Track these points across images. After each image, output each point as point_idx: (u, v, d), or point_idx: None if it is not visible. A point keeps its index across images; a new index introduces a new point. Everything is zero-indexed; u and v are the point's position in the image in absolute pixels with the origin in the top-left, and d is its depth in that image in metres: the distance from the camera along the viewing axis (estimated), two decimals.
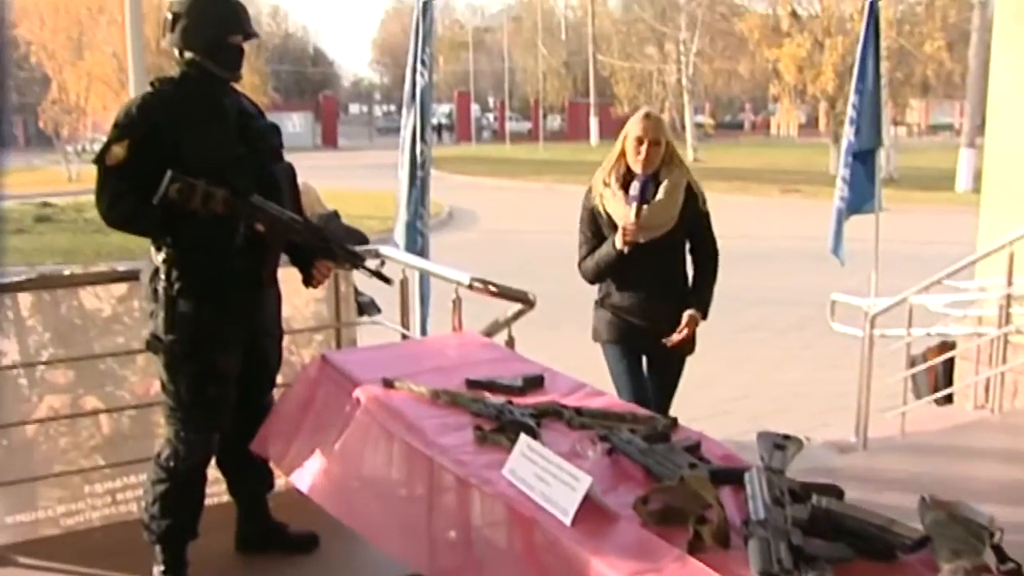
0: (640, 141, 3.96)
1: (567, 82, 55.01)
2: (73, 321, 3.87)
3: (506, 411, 2.62)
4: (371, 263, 3.46)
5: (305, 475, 3.04)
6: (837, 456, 5.67)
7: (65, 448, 3.89)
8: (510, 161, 35.84)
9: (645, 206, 3.93)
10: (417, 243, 5.75)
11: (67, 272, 4.06)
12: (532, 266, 12.98)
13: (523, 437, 2.34)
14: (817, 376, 8.24)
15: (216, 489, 3.70)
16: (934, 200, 22.73)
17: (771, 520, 1.93)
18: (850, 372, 6.83)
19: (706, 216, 4.13)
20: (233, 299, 3.23)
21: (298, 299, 4.01)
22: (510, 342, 3.91)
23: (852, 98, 6.67)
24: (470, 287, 3.98)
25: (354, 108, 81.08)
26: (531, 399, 2.79)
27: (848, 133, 6.72)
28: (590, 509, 2.09)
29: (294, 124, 44.75)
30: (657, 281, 4.03)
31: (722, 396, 7.35)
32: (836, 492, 2.12)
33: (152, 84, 3.26)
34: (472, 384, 2.93)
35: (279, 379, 3.58)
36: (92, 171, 3.24)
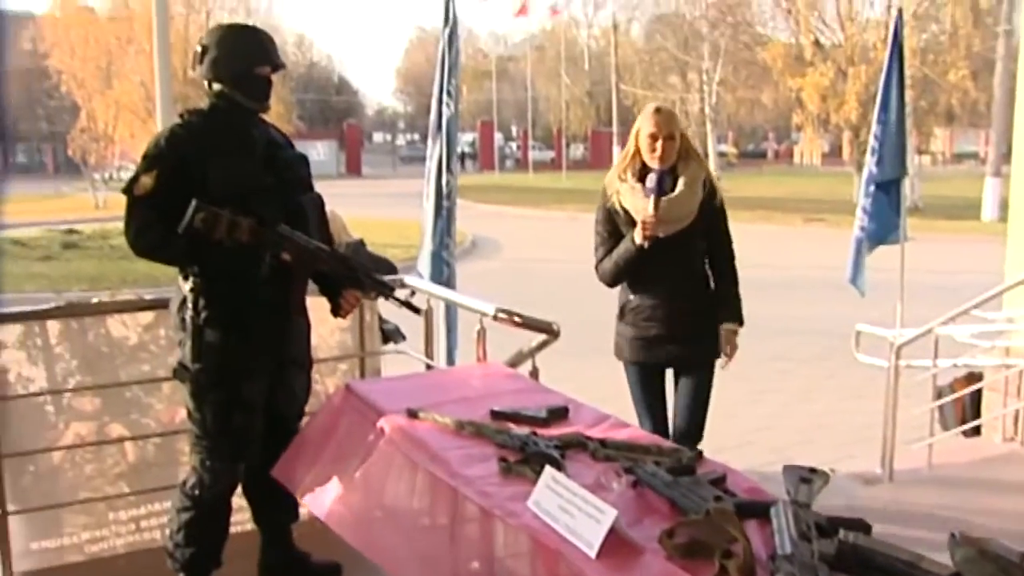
0: (654, 137, 3.86)
1: (590, 111, 55.23)
2: (100, 349, 3.90)
3: (531, 442, 2.62)
4: (399, 293, 3.47)
5: (326, 504, 3.04)
6: (863, 488, 5.61)
7: (90, 475, 3.91)
8: (533, 190, 35.94)
9: (664, 198, 3.82)
10: (443, 273, 5.75)
11: (95, 300, 4.09)
12: (555, 295, 12.99)
13: (548, 469, 2.33)
14: (841, 407, 8.17)
15: (240, 517, 3.71)
16: (960, 229, 22.59)
17: (798, 555, 1.92)
18: (875, 403, 6.77)
19: (723, 212, 4.03)
20: (259, 328, 3.25)
21: (323, 328, 4.02)
22: (534, 372, 3.90)
23: (874, 128, 6.64)
24: (495, 318, 3.98)
25: (378, 137, 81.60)
26: (555, 430, 2.78)
27: (869, 163, 6.69)
28: (615, 542, 2.08)
29: (318, 152, 45.11)
30: (677, 280, 3.94)
31: (746, 427, 7.30)
32: (863, 527, 2.10)
33: (181, 116, 3.31)
34: (497, 415, 2.92)
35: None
36: (119, 198, 3.29)
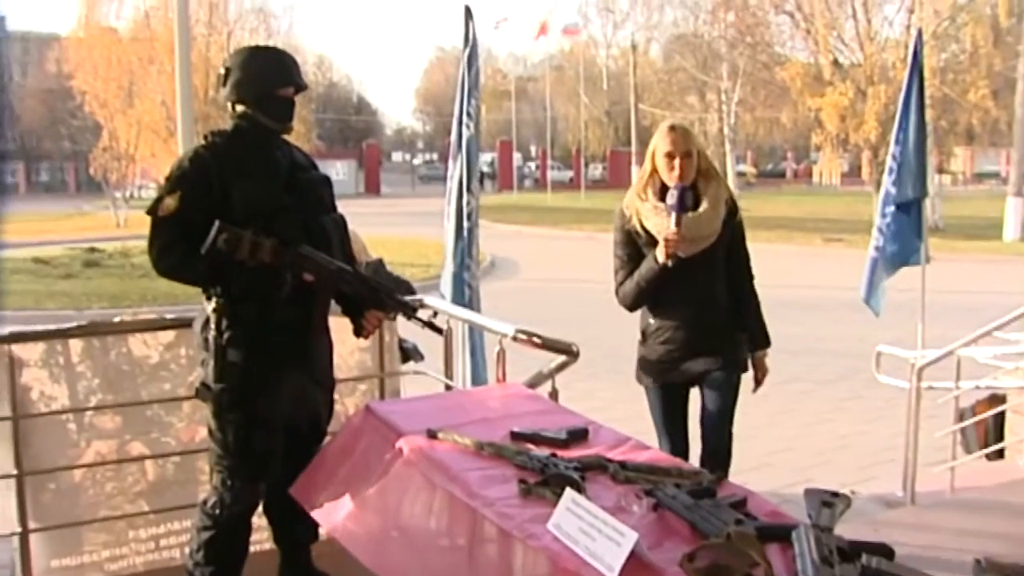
0: (671, 156, 3.80)
1: (608, 131, 55.38)
2: (121, 367, 3.92)
3: (551, 464, 2.61)
4: (422, 313, 3.48)
5: (343, 524, 3.04)
6: (884, 511, 5.57)
7: (111, 493, 3.92)
8: (552, 210, 35.98)
9: (688, 214, 3.76)
10: (464, 294, 5.74)
11: (117, 319, 4.11)
12: (573, 315, 12.98)
13: (568, 491, 2.33)
14: (862, 428, 8.12)
15: (259, 536, 3.72)
16: (981, 249, 22.47)
17: None
18: (896, 425, 6.72)
19: (742, 230, 3.99)
20: (282, 348, 3.27)
21: (343, 348, 4.03)
22: (554, 394, 3.89)
23: (892, 148, 6.62)
24: (514, 338, 3.98)
25: (396, 156, 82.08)
26: (575, 452, 2.78)
27: (886, 183, 6.67)
28: (635, 565, 2.07)
29: (338, 172, 45.37)
30: (698, 301, 3.86)
31: (765, 448, 7.25)
32: (886, 551, 2.09)
33: (205, 137, 3.34)
34: (516, 436, 2.92)
35: None
36: (140, 217, 3.33)
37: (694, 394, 4.06)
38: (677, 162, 3.79)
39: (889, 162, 6.68)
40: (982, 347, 6.24)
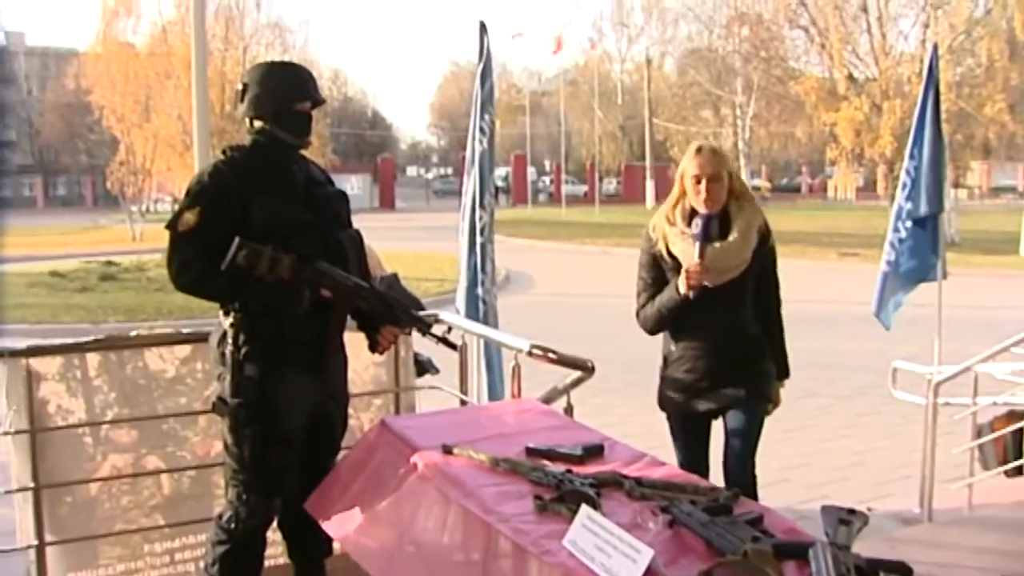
0: (698, 180, 3.65)
1: (623, 145, 55.47)
2: (138, 381, 3.94)
3: (566, 480, 2.61)
4: (437, 329, 3.48)
5: (357, 538, 3.05)
6: (901, 528, 5.53)
7: (127, 507, 3.94)
8: (566, 224, 35.99)
9: (713, 245, 3.62)
10: (478, 309, 5.73)
11: (133, 333, 4.13)
12: (588, 329, 12.97)
13: (584, 508, 2.32)
14: (878, 444, 8.07)
15: (274, 551, 3.72)
16: (998, 264, 22.35)
17: None
18: (913, 441, 6.67)
19: (774, 256, 3.82)
20: (299, 364, 3.28)
21: (357, 363, 4.04)
22: (569, 409, 3.89)
23: (906, 163, 6.60)
24: (529, 354, 3.98)
25: (411, 170, 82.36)
26: (591, 468, 2.77)
27: (899, 198, 6.65)
28: None
29: (352, 186, 45.57)
30: (724, 331, 3.73)
31: (780, 464, 7.21)
32: (904, 570, 2.08)
33: (224, 152, 3.36)
34: (532, 452, 2.92)
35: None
36: (155, 231, 3.35)
37: (717, 424, 3.94)
38: (703, 186, 3.65)
39: (903, 177, 6.65)
40: (1000, 363, 6.20)
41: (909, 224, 6.53)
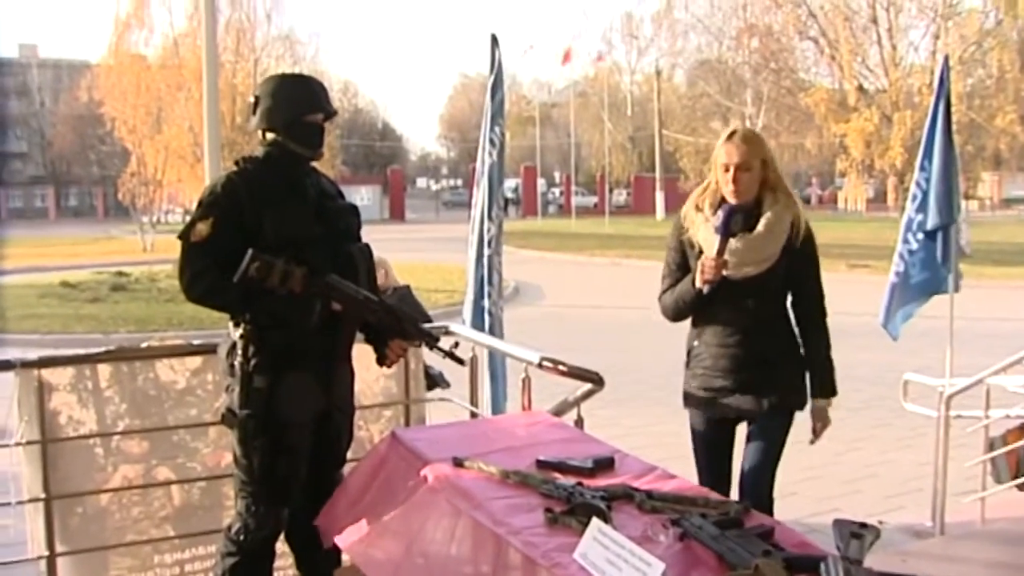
0: (727, 168, 3.45)
1: (633, 157, 55.47)
2: (148, 392, 3.95)
3: (577, 493, 2.61)
4: (445, 342, 3.48)
5: (366, 551, 3.04)
6: (913, 541, 5.50)
7: (137, 518, 3.94)
8: (576, 236, 35.97)
9: (732, 240, 3.42)
10: (484, 321, 5.73)
11: (144, 345, 4.15)
12: (599, 341, 12.95)
13: (595, 521, 2.32)
14: (889, 457, 8.03)
15: (283, 563, 3.71)
16: (1009, 276, 22.22)
17: None
18: (924, 454, 6.64)
19: (814, 260, 3.58)
20: (307, 376, 3.28)
21: (367, 375, 4.04)
22: (579, 422, 3.88)
23: (917, 175, 6.58)
24: (540, 366, 3.97)
25: (421, 182, 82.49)
26: (602, 481, 2.77)
27: (909, 209, 6.63)
28: None
29: (363, 197, 45.71)
30: (746, 329, 3.52)
31: (791, 476, 7.15)
32: None
33: (237, 163, 3.37)
34: (542, 465, 2.92)
35: (348, 454, 3.61)
36: (166, 241, 3.37)
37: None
38: (731, 175, 3.46)
39: (913, 189, 6.64)
40: (1012, 375, 6.16)
41: (921, 236, 6.51)
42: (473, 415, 4.53)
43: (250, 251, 3.07)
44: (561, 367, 3.94)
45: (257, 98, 3.37)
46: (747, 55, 34.80)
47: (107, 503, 3.89)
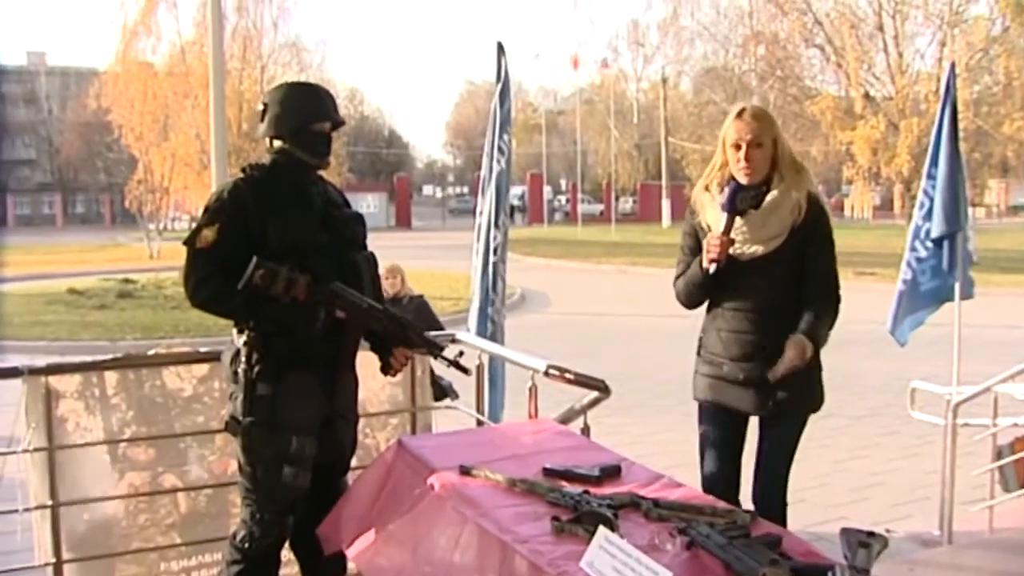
0: (737, 146, 3.35)
1: (639, 164, 55.49)
2: (155, 400, 3.95)
3: (583, 501, 2.60)
4: (453, 350, 3.48)
5: (372, 559, 3.04)
6: (920, 550, 5.48)
7: (144, 525, 3.95)
8: (582, 243, 35.98)
9: (739, 219, 3.34)
10: (487, 328, 5.73)
11: (151, 352, 4.15)
12: (605, 348, 12.94)
13: (601, 529, 2.31)
14: (897, 465, 8.01)
15: (288, 571, 3.71)
16: (1017, 283, 22.18)
17: None
18: (931, 462, 6.61)
19: (827, 242, 3.44)
20: (311, 383, 3.28)
21: (373, 383, 4.04)
22: (585, 430, 3.88)
23: (924, 183, 6.58)
24: (546, 374, 3.97)
25: (427, 189, 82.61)
26: (608, 489, 2.77)
27: (916, 217, 6.63)
28: None
29: (369, 204, 45.84)
30: (754, 315, 3.39)
31: (797, 484, 7.13)
32: None
33: (244, 170, 3.38)
34: (549, 473, 2.91)
35: (354, 462, 3.61)
36: (173, 249, 3.37)
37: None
38: (742, 153, 3.35)
39: (920, 196, 6.64)
40: (1020, 383, 6.14)
41: (930, 244, 6.50)
42: (479, 423, 4.53)
43: (254, 258, 3.08)
44: (567, 375, 3.94)
45: (265, 106, 3.38)
46: (753, 63, 34.85)
47: (114, 510, 3.90)
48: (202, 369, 4.00)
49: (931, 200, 6.45)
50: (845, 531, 2.30)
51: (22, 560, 3.83)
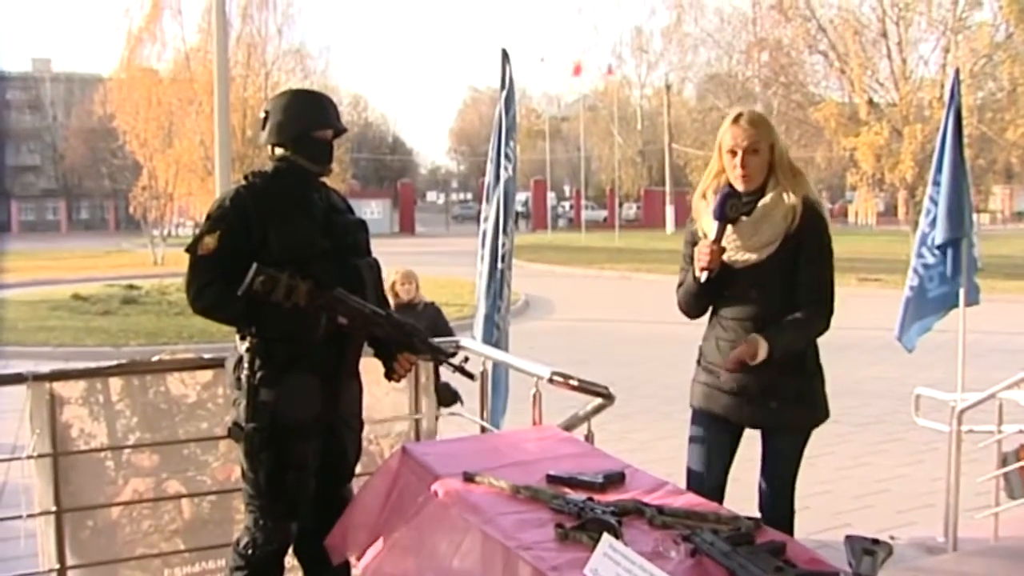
0: (733, 153, 3.30)
1: (642, 170, 55.49)
2: (159, 406, 3.96)
3: (587, 508, 2.60)
4: (455, 357, 3.48)
5: (377, 566, 3.04)
6: (925, 557, 5.46)
7: (147, 531, 3.95)
8: (586, 249, 35.98)
9: (730, 226, 3.28)
10: (493, 335, 5.73)
11: (156, 358, 4.16)
12: (609, 355, 12.93)
13: (606, 536, 2.31)
14: (900, 472, 7.99)
15: None
16: (1021, 289, 22.10)
17: None
18: (936, 469, 6.61)
19: (815, 247, 3.33)
20: (313, 389, 3.28)
21: (377, 389, 4.04)
22: (589, 437, 3.87)
23: (930, 190, 6.58)
24: (550, 381, 3.97)
25: (431, 195, 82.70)
26: (612, 496, 2.76)
27: (923, 224, 6.63)
28: None
29: (373, 211, 45.92)
30: (751, 323, 3.31)
31: (802, 491, 7.12)
32: None
33: (246, 177, 3.39)
34: (553, 480, 2.91)
35: (358, 468, 3.61)
36: (177, 255, 3.38)
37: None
38: (739, 160, 3.29)
39: (926, 203, 6.63)
40: None
41: (936, 250, 6.50)
42: (483, 430, 4.53)
43: (255, 264, 3.08)
44: (571, 382, 3.93)
45: (267, 113, 3.39)
46: (757, 69, 34.80)
47: (118, 516, 3.90)
48: (206, 375, 4.01)
49: (937, 207, 6.45)
50: (849, 538, 2.30)
51: (26, 566, 3.83)
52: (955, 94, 6.49)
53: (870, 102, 28.82)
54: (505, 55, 5.95)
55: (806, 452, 3.59)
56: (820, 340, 3.48)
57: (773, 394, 3.32)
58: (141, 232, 36.05)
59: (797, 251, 3.30)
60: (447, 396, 5.60)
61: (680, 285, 3.54)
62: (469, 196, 72.58)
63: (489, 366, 4.68)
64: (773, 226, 3.28)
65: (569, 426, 3.95)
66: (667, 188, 48.42)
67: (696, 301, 3.48)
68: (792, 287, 3.32)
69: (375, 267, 3.50)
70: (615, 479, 2.92)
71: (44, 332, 15.74)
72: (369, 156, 65.88)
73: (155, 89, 29.55)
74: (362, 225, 3.53)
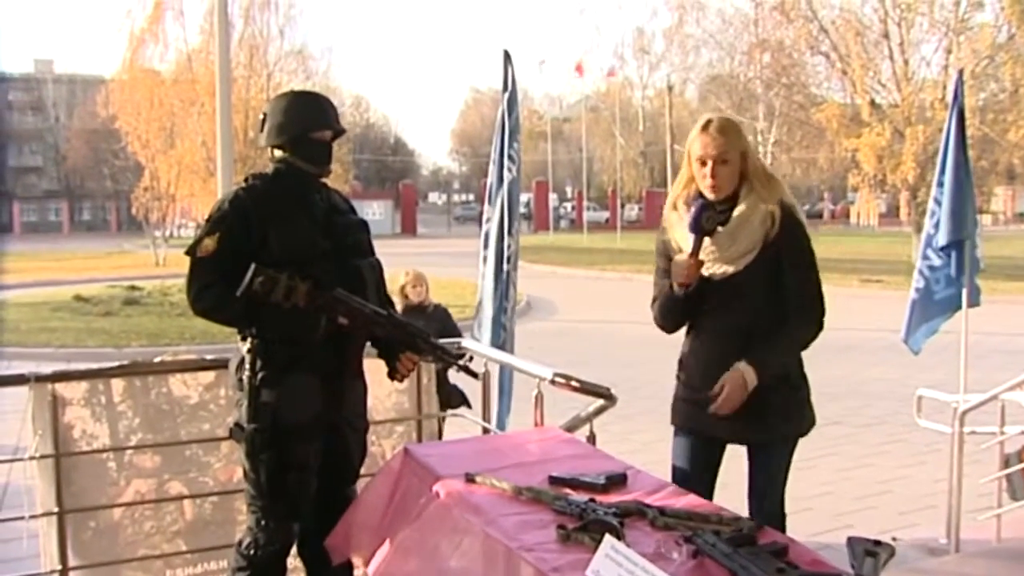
0: (702, 162, 3.20)
1: (644, 171, 55.51)
2: (161, 407, 3.96)
3: (589, 509, 2.59)
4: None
5: (379, 567, 3.04)
6: (927, 558, 5.46)
7: (149, 532, 3.95)
8: (587, 250, 36.00)
9: (707, 238, 3.18)
10: (500, 337, 5.73)
11: (158, 359, 4.16)
12: (610, 356, 12.94)
13: (607, 537, 2.31)
14: (902, 473, 7.99)
15: None
16: (1023, 291, 22.13)
17: None
18: (938, 470, 6.60)
19: (803, 253, 3.26)
20: (314, 390, 3.28)
21: (380, 390, 4.05)
22: (591, 438, 3.87)
23: (934, 191, 6.58)
24: (552, 382, 3.97)
25: (433, 196, 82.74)
26: (614, 497, 2.76)
27: (927, 225, 6.63)
28: None
29: (374, 212, 45.93)
30: (731, 336, 3.21)
31: (803, 493, 7.13)
32: None
33: (246, 179, 3.39)
34: (555, 481, 2.91)
35: (361, 469, 3.60)
36: (179, 256, 3.39)
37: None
38: (708, 169, 3.20)
39: (931, 205, 6.63)
40: None
41: (940, 252, 6.50)
42: (485, 431, 4.53)
43: (253, 265, 3.08)
44: (573, 383, 3.93)
45: (266, 115, 3.39)
46: (759, 70, 34.78)
47: (120, 517, 3.90)
48: (208, 376, 4.01)
49: (941, 208, 6.45)
50: (851, 540, 2.30)
51: (28, 567, 3.84)
52: (958, 95, 6.48)
53: (872, 103, 28.80)
54: (507, 57, 5.95)
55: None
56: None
57: (759, 411, 3.20)
58: (143, 233, 36.11)
59: (777, 258, 3.22)
60: (455, 399, 5.61)
61: (655, 300, 3.45)
62: (471, 197, 72.61)
63: (492, 367, 4.67)
64: (751, 233, 3.20)
65: (571, 427, 3.95)
66: (668, 189, 48.46)
67: (674, 316, 3.39)
68: (775, 295, 3.24)
69: (377, 267, 3.50)
70: (617, 480, 2.92)
71: (46, 333, 15.75)
72: (371, 157, 65.94)
73: (157, 90, 29.61)
74: (363, 225, 3.53)
